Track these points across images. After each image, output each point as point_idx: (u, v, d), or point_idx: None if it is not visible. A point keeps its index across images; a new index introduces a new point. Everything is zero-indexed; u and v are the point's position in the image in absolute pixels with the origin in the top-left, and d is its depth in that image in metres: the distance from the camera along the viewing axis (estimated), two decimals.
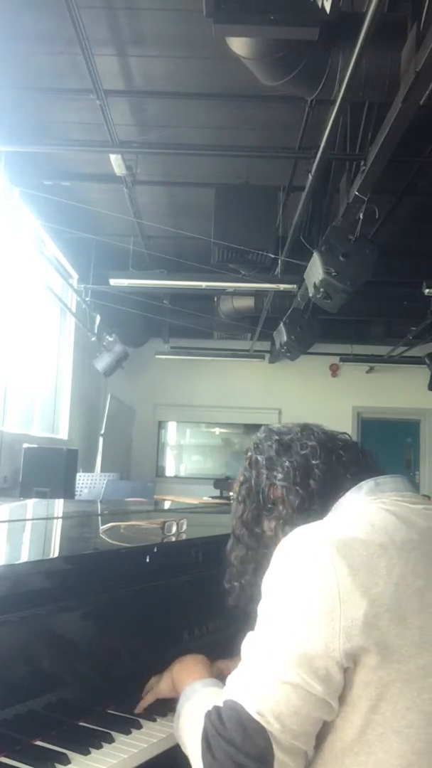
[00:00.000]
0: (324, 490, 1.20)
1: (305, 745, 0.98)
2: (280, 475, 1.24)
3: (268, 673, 0.98)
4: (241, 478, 1.31)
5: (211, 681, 1.23)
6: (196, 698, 1.17)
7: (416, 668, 0.97)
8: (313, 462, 1.22)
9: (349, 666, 0.97)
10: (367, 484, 1.18)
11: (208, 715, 1.03)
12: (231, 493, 1.38)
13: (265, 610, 1.05)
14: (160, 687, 1.35)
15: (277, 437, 1.29)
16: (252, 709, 0.97)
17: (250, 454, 1.32)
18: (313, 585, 0.99)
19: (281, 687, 0.97)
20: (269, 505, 1.26)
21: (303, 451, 1.24)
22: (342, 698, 0.98)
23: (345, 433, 1.32)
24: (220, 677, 1.22)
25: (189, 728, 1.10)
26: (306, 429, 1.30)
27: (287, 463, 1.24)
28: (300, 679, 0.96)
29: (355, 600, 0.97)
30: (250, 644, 1.05)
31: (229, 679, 1.06)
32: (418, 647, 0.97)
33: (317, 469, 1.21)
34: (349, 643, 0.95)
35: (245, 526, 1.30)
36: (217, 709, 1.02)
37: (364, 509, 1.13)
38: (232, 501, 1.36)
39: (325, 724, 1.00)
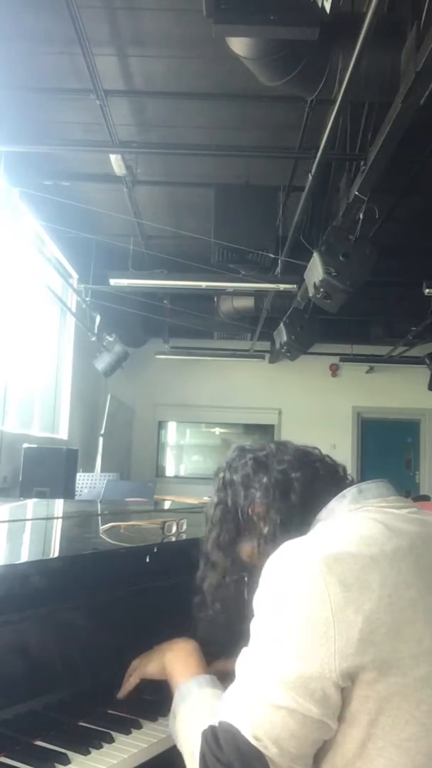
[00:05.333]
0: (304, 502, 1.17)
1: (303, 767, 0.98)
2: (258, 493, 1.20)
3: (264, 696, 0.96)
4: (215, 500, 1.26)
5: (205, 680, 1.21)
6: (191, 700, 1.16)
7: (414, 680, 0.95)
8: (292, 476, 1.20)
9: (347, 685, 0.95)
10: (350, 492, 1.16)
11: (205, 735, 1.01)
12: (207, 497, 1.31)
13: (257, 629, 1.02)
14: (147, 669, 1.32)
15: (251, 455, 1.26)
16: (248, 733, 0.96)
17: (222, 474, 1.27)
18: (305, 605, 0.97)
19: (277, 711, 0.95)
20: (249, 524, 1.21)
21: (280, 466, 1.21)
22: (340, 714, 0.97)
23: (315, 447, 1.29)
24: (221, 678, 1.21)
25: (185, 733, 1.10)
26: (280, 445, 1.28)
27: (265, 479, 1.21)
28: (296, 703, 0.94)
29: (348, 618, 0.95)
30: (244, 662, 1.03)
31: (225, 696, 1.04)
32: (416, 659, 0.96)
33: (297, 482, 1.19)
34: (346, 663, 0.94)
35: (221, 550, 1.25)
36: (213, 729, 1.00)
37: (351, 520, 1.11)
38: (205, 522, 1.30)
39: (326, 740, 0.99)
